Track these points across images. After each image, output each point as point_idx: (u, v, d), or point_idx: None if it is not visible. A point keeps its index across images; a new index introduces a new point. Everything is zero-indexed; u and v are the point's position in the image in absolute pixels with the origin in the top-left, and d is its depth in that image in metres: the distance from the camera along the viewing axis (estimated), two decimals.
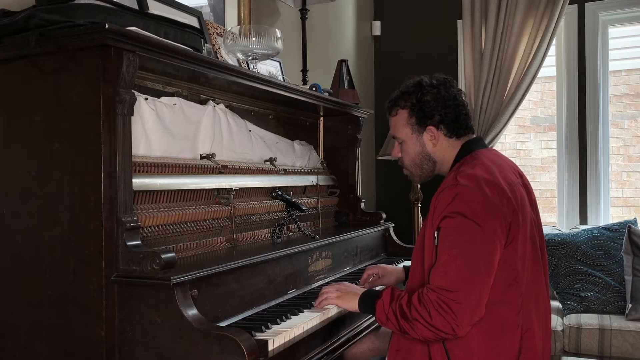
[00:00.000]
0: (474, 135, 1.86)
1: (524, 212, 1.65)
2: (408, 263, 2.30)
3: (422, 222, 3.44)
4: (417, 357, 1.65)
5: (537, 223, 1.77)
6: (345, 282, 1.92)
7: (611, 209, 4.06)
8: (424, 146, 1.81)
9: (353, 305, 1.78)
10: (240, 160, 2.17)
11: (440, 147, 1.80)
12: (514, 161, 1.89)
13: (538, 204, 1.82)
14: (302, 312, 1.82)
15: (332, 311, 1.87)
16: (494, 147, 3.89)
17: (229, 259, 1.72)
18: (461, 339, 1.57)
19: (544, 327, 1.73)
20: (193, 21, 2.20)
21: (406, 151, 1.85)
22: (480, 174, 1.63)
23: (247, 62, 2.29)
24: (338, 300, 1.81)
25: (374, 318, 2.11)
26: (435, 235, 1.61)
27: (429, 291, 1.56)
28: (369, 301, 1.73)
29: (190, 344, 1.36)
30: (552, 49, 3.95)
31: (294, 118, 2.77)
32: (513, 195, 1.63)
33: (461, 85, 4.25)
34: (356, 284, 2.20)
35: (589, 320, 3.15)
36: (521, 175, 1.81)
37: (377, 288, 2.16)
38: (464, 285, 1.52)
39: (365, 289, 1.82)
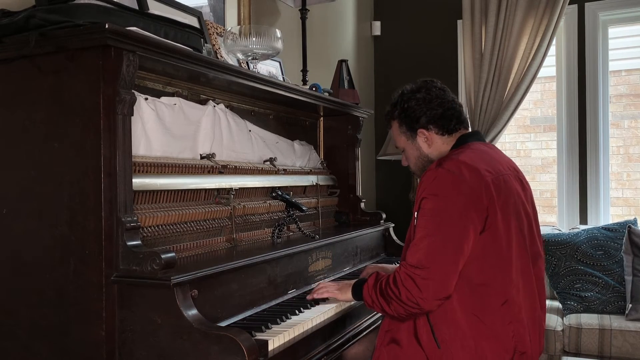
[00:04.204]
0: (469, 129, 1.90)
1: (507, 201, 1.68)
2: None
3: None
4: (403, 333, 1.69)
5: (534, 220, 1.80)
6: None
7: (611, 209, 4.06)
8: (420, 149, 1.88)
9: (349, 295, 1.85)
10: (240, 160, 2.17)
11: (435, 147, 1.86)
12: (514, 161, 1.91)
13: (538, 204, 1.84)
14: (302, 312, 1.82)
15: (332, 311, 1.88)
16: None
17: (229, 259, 1.72)
18: (446, 315, 1.62)
19: (532, 324, 1.73)
20: (193, 21, 2.20)
21: (409, 157, 1.94)
22: (463, 159, 1.69)
23: (247, 62, 2.29)
24: (338, 292, 1.87)
25: (373, 319, 2.13)
26: (415, 215, 1.69)
27: (400, 268, 1.65)
28: (358, 288, 1.81)
29: (190, 344, 1.36)
30: (552, 49, 3.95)
31: (294, 118, 2.76)
32: (495, 182, 1.67)
33: (461, 85, 4.25)
34: None
35: (589, 320, 3.15)
36: (517, 171, 1.84)
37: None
38: (431, 262, 1.59)
39: (357, 279, 1.88)
